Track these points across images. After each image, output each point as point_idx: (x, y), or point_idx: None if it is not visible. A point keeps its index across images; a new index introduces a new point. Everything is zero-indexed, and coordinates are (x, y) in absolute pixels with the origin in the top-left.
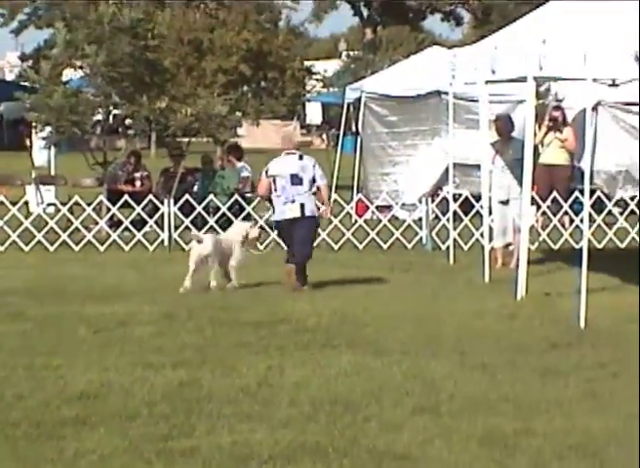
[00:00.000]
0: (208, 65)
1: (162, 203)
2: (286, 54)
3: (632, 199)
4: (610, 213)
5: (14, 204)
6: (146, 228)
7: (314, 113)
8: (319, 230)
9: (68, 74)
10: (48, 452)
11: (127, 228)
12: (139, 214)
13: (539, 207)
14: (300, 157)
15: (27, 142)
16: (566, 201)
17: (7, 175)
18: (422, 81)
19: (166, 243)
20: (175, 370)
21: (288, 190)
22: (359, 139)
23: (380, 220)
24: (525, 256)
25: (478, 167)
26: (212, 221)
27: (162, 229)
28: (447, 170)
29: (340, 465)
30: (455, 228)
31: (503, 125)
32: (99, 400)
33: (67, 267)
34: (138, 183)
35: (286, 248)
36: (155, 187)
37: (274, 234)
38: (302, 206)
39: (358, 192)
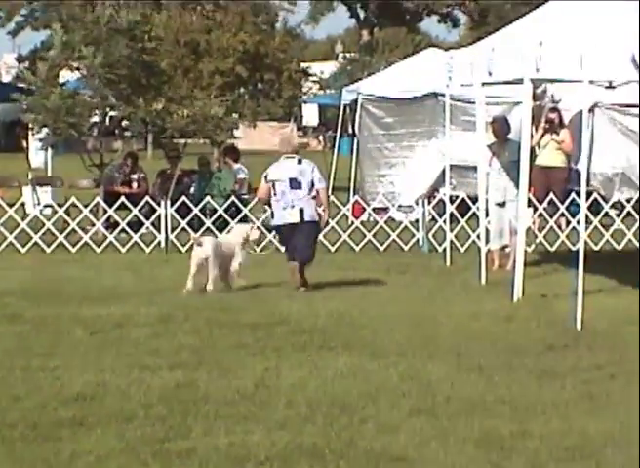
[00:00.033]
0: (205, 67)
1: (159, 204)
2: (282, 55)
3: (629, 201)
4: (606, 214)
5: (10, 205)
6: (143, 230)
7: (311, 115)
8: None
9: (65, 76)
10: (44, 454)
11: (123, 230)
12: (135, 215)
13: (535, 209)
14: (299, 161)
15: (24, 144)
16: (562, 203)
17: (3, 176)
18: (419, 83)
19: (162, 244)
20: (171, 371)
21: (287, 195)
22: (356, 141)
23: (377, 222)
24: (521, 258)
25: (475, 168)
26: (208, 223)
27: (159, 231)
28: (443, 171)
29: (336, 467)
30: (451, 230)
31: (500, 127)
32: (95, 401)
33: (64, 269)
34: (134, 185)
35: (285, 249)
36: (152, 189)
37: (271, 236)
38: (302, 211)
39: (355, 194)
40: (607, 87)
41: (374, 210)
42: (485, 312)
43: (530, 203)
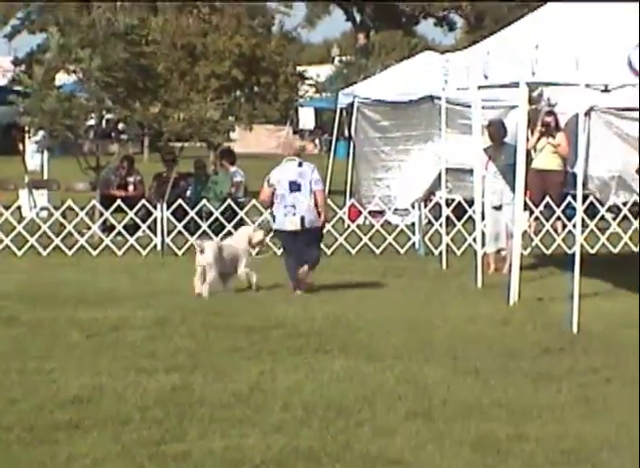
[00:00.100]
0: (201, 70)
1: (155, 208)
2: (279, 59)
3: (625, 204)
4: (603, 218)
5: (6, 208)
6: (139, 233)
7: (307, 118)
8: None
9: (61, 79)
10: (41, 457)
11: (120, 233)
12: (131, 218)
13: (531, 212)
14: (300, 164)
15: (20, 147)
16: (559, 206)
17: (0, 179)
18: (415, 86)
19: (159, 248)
20: (167, 374)
21: (287, 198)
22: (352, 144)
23: (373, 225)
24: (517, 262)
25: (471, 172)
26: (205, 226)
27: (155, 234)
28: (440, 175)
29: None
30: (447, 233)
31: (496, 130)
32: (91, 404)
33: (60, 272)
34: (130, 188)
35: (287, 254)
36: (148, 192)
37: (268, 238)
38: (302, 219)
39: (351, 197)
40: (603, 90)
41: (370, 213)
42: (481, 315)
43: (526, 206)
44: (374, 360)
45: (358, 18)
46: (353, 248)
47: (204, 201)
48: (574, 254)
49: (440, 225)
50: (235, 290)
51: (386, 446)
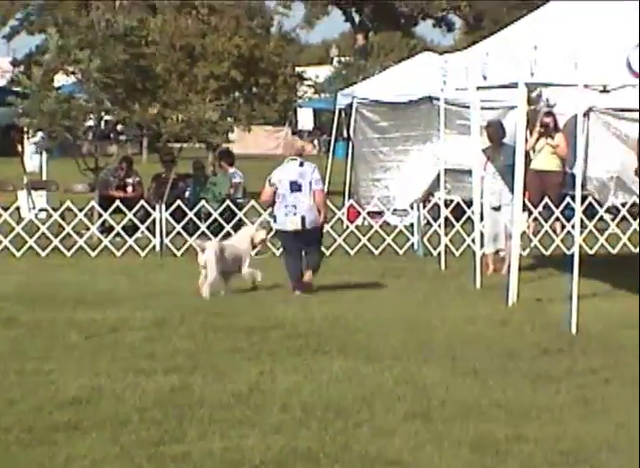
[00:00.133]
0: (199, 71)
1: (154, 209)
2: (277, 60)
3: (624, 205)
4: (601, 219)
5: (5, 209)
6: (138, 234)
7: (306, 119)
8: None
9: (60, 80)
10: (40, 458)
11: (118, 234)
12: (130, 219)
13: (530, 213)
14: (301, 164)
15: (19, 148)
16: (557, 207)
17: None
18: (414, 87)
19: (157, 248)
20: (166, 375)
21: (287, 197)
22: (350, 145)
23: (372, 226)
24: (516, 262)
25: (470, 173)
26: (203, 227)
27: (154, 235)
28: (438, 175)
29: None
30: (446, 234)
31: (495, 131)
32: (90, 405)
33: (59, 273)
34: (129, 189)
35: (287, 253)
36: (147, 193)
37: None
38: (303, 219)
39: (349, 198)
40: (601, 91)
41: (368, 214)
42: (480, 316)
43: (525, 207)
44: (372, 360)
45: (357, 18)
46: (352, 248)
47: (203, 202)
48: (572, 255)
49: (439, 226)
50: (235, 290)
51: (385, 446)
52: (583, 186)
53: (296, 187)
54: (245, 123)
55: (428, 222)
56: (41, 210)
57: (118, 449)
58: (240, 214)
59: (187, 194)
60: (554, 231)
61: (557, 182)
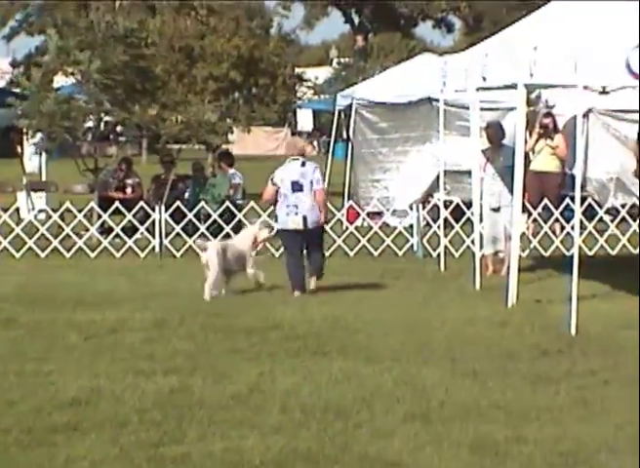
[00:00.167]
0: (199, 72)
1: (153, 210)
2: (277, 61)
3: (623, 206)
4: (601, 220)
5: (5, 210)
6: (137, 235)
7: (305, 120)
8: None
9: (60, 81)
10: (39, 459)
11: (118, 235)
12: (130, 220)
13: (530, 214)
14: (303, 163)
15: (18, 149)
16: (557, 208)
17: None
18: (413, 88)
19: (157, 250)
20: (166, 376)
21: (289, 197)
22: (350, 146)
23: (371, 227)
24: (516, 264)
25: (469, 174)
26: (203, 228)
27: (153, 236)
28: (438, 176)
29: None
30: (445, 235)
31: (494, 132)
32: (90, 406)
33: (58, 274)
34: (129, 190)
35: (289, 253)
36: (146, 194)
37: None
38: (305, 218)
39: (349, 199)
40: (601, 92)
41: (368, 215)
42: (479, 317)
43: (524, 208)
44: (372, 362)
45: (356, 19)
46: (351, 249)
47: (202, 203)
48: (572, 256)
49: (438, 227)
50: (234, 291)
51: (385, 447)
52: (583, 187)
53: (297, 187)
54: (244, 124)
55: (428, 223)
56: (40, 211)
57: (118, 451)
58: (239, 216)
59: (187, 195)
60: (554, 232)
61: (556, 183)
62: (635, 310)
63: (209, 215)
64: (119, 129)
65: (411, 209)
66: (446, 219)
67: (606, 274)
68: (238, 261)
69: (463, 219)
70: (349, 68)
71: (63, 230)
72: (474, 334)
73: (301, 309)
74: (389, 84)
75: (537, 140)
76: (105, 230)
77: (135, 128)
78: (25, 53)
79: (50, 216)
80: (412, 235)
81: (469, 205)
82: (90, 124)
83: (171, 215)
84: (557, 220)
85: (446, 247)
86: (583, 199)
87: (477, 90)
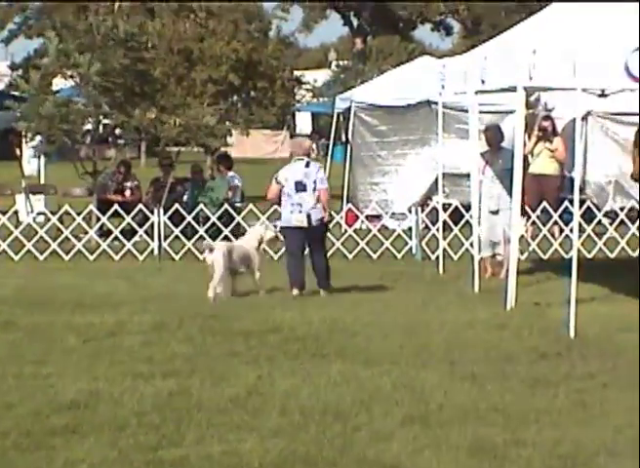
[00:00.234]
0: (198, 75)
1: (152, 212)
2: (276, 63)
3: (622, 209)
4: (600, 223)
5: (3, 213)
6: (136, 238)
7: (304, 123)
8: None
9: (58, 84)
10: (37, 462)
11: (117, 238)
12: (128, 223)
13: (528, 217)
14: (307, 164)
15: (17, 152)
16: (556, 211)
17: None
18: (412, 91)
19: (156, 252)
20: (164, 379)
21: (293, 197)
22: (349, 149)
23: (370, 230)
24: (515, 266)
25: (468, 176)
26: (201, 231)
27: (152, 239)
28: (436, 179)
29: None
30: (444, 238)
31: (493, 135)
32: (88, 409)
33: (57, 276)
34: (127, 193)
35: (287, 251)
36: (145, 197)
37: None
38: (309, 216)
39: (348, 202)
40: (600, 95)
41: (367, 217)
42: (478, 320)
43: (523, 211)
44: (371, 364)
45: (355, 22)
46: (350, 252)
47: (201, 206)
48: (571, 259)
49: (437, 230)
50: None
51: (383, 450)
52: (582, 190)
53: (301, 187)
54: (243, 127)
55: (427, 226)
56: (39, 213)
57: (116, 454)
58: (238, 219)
59: (185, 198)
60: (552, 235)
61: (555, 186)
62: (634, 313)
63: (208, 218)
64: (118, 131)
65: (410, 211)
66: (445, 222)
67: (605, 277)
68: (244, 262)
69: (462, 222)
70: (348, 71)
71: (62, 233)
72: (473, 337)
73: (300, 312)
74: (388, 87)
75: (535, 143)
76: (104, 233)
77: (133, 131)
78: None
79: (49, 219)
80: (410, 238)
81: (468, 207)
82: (89, 127)
83: (170, 218)
84: (556, 223)
85: (445, 249)
86: (582, 202)
87: (476, 93)
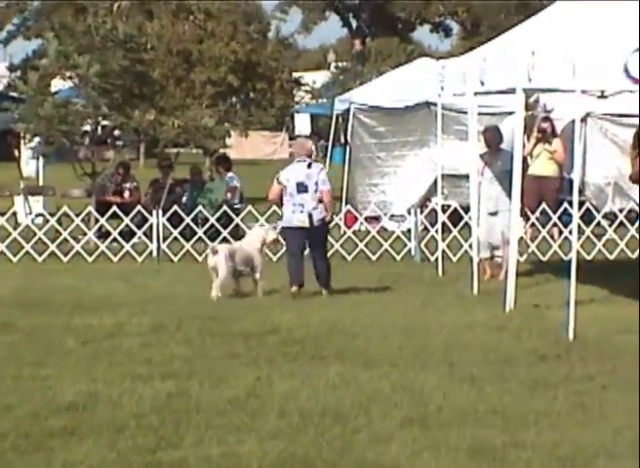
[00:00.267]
0: (197, 77)
1: (151, 214)
2: (275, 65)
3: (621, 211)
4: (599, 224)
5: (2, 214)
6: (135, 239)
7: (303, 124)
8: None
9: (57, 85)
10: (36, 464)
11: (115, 239)
12: (127, 224)
13: (528, 218)
14: (309, 165)
15: (16, 153)
16: (555, 212)
17: None
18: (411, 92)
19: (154, 254)
20: (163, 381)
21: (295, 197)
22: (348, 150)
23: (369, 231)
24: (514, 268)
25: (467, 178)
26: (200, 232)
27: (151, 240)
28: (435, 181)
29: None
30: (443, 239)
31: (492, 136)
32: (87, 411)
33: (56, 278)
34: (126, 194)
35: (288, 251)
36: (144, 198)
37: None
38: (310, 216)
39: (347, 203)
40: (599, 97)
41: (366, 219)
42: (477, 322)
43: (522, 212)
44: (370, 366)
45: (354, 24)
46: (349, 254)
47: (200, 207)
48: (570, 261)
49: (436, 231)
50: (230, 295)
51: (382, 452)
52: (581, 192)
53: (302, 188)
54: (242, 128)
55: (426, 228)
56: (38, 215)
57: (115, 456)
58: (237, 220)
59: (184, 199)
60: (552, 237)
61: (554, 188)
62: (633, 314)
63: (206, 220)
64: (117, 133)
65: (409, 213)
66: (444, 224)
67: (604, 278)
68: (246, 264)
69: (461, 224)
70: (347, 72)
71: (61, 234)
72: (472, 339)
73: (299, 313)
74: (387, 88)
75: (535, 145)
76: (103, 234)
77: (132, 132)
78: (23, 57)
79: (47, 221)
80: (409, 239)
81: (467, 209)
82: (87, 128)
83: (168, 220)
84: (555, 225)
85: (444, 251)
86: (581, 203)
87: (475, 94)
